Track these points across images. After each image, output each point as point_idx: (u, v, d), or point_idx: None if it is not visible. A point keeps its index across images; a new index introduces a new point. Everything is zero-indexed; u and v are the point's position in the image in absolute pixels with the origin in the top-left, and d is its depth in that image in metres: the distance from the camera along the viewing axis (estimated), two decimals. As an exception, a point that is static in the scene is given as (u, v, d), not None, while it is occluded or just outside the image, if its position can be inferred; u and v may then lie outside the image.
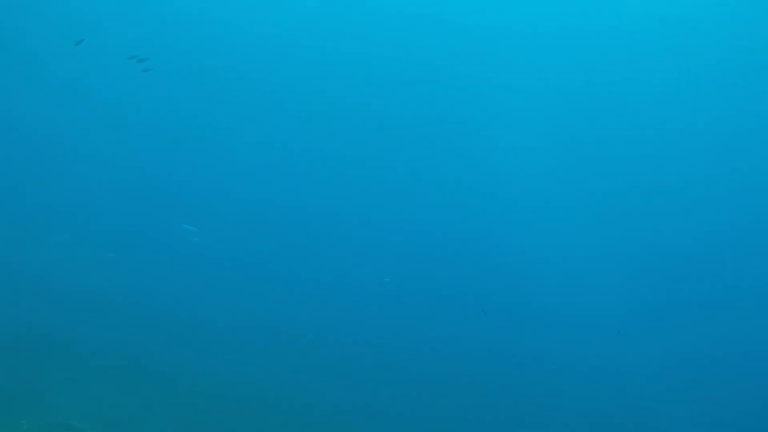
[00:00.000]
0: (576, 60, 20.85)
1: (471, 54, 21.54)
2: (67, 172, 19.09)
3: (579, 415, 16.14)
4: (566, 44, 20.76)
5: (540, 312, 18.98)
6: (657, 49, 20.34)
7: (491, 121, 21.83)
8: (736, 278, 19.46)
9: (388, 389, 15.84)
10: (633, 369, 17.68)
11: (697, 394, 16.87)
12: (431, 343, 17.83)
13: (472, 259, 20.73)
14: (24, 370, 11.82)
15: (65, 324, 14.10)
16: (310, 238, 20.46)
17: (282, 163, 21.53)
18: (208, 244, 18.61)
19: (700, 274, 19.88)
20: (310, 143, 21.86)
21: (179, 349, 14.81)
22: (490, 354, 17.60)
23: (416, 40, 21.81)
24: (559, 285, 19.92)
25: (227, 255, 18.88)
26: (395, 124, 22.34)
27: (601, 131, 21.50)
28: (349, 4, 21.72)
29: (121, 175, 19.54)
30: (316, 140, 21.88)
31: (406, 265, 20.15)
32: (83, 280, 16.16)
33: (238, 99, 21.93)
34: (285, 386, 14.62)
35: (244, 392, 13.89)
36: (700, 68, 20.36)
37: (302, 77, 22.07)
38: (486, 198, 21.58)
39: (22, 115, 19.89)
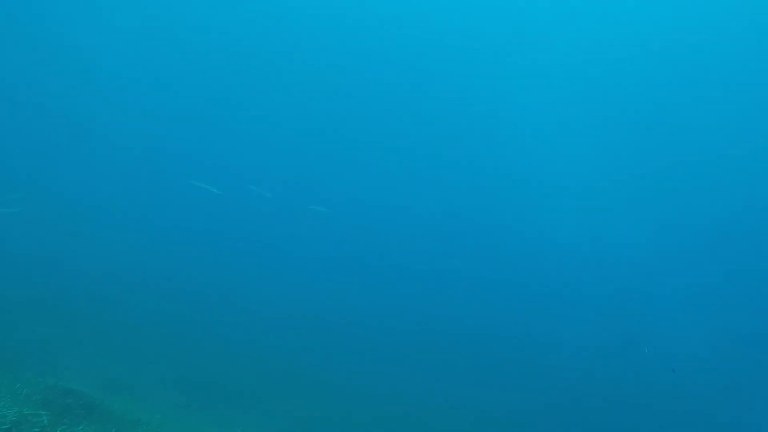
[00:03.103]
0: (602, 42, 20.37)
1: (496, 36, 21.22)
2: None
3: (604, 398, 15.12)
4: (594, 25, 20.27)
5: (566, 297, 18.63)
6: (693, 30, 19.79)
7: (520, 103, 21.50)
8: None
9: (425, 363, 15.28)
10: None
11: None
12: (460, 320, 17.44)
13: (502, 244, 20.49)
14: (24, 332, 11.45)
15: (66, 286, 13.93)
16: (333, 220, 20.33)
17: (297, 143, 21.54)
18: (214, 212, 18.50)
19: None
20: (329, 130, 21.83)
21: (180, 311, 14.57)
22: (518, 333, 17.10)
23: (442, 27, 21.65)
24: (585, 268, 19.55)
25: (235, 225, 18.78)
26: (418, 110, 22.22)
27: (631, 114, 21.04)
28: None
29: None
30: (335, 127, 21.88)
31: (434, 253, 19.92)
32: (84, 244, 16.05)
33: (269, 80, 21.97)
34: (288, 356, 14.19)
35: (246, 354, 13.54)
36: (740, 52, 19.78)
37: (321, 69, 22.11)
38: (519, 184, 21.34)
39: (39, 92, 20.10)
